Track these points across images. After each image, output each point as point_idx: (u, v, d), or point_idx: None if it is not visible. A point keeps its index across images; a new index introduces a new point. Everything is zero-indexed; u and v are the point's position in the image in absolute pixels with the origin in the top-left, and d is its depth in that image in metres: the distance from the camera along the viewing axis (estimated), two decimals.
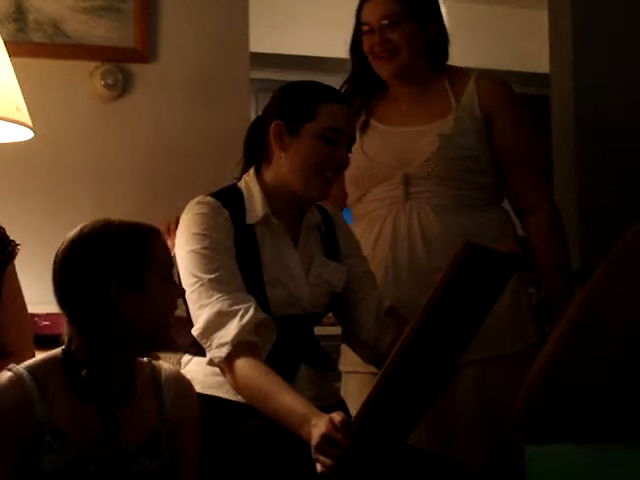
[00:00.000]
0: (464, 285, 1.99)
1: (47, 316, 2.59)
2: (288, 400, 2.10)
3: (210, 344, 2.19)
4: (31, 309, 2.42)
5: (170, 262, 1.97)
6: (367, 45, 2.74)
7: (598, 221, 3.62)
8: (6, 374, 1.85)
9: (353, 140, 2.39)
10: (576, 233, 3.59)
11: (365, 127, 2.79)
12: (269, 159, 2.36)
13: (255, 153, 2.41)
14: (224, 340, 2.17)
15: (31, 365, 1.88)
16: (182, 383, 2.05)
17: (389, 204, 2.70)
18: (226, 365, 2.19)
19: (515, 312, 2.67)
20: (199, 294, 2.22)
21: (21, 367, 1.87)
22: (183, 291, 2.04)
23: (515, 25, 5.61)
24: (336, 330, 2.59)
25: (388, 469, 2.09)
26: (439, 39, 2.80)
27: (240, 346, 2.16)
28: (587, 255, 3.53)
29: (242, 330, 2.16)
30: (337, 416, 1.98)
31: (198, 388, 2.18)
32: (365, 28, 2.74)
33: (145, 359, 2.00)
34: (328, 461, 1.95)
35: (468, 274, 1.98)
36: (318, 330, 2.48)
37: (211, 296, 2.21)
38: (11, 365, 1.88)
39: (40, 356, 1.98)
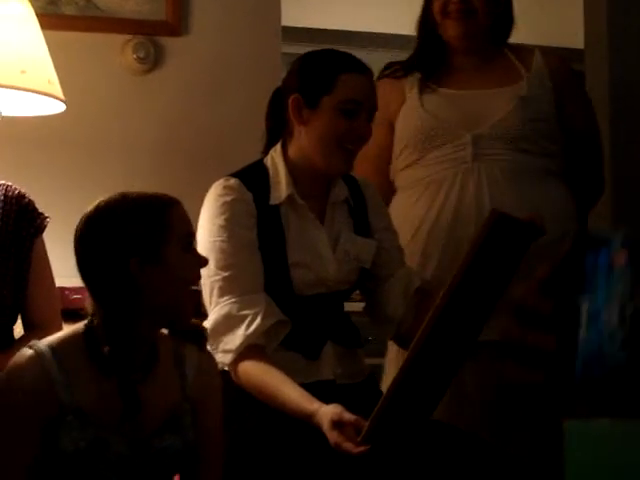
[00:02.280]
0: (491, 257, 1.95)
1: (77, 289, 2.60)
2: (291, 397, 2.09)
3: (216, 347, 2.19)
4: (61, 282, 2.43)
5: (190, 232, 1.93)
6: (439, 4, 2.69)
7: (632, 195, 3.59)
8: (27, 352, 1.83)
9: (374, 110, 2.33)
10: (609, 206, 3.56)
11: (425, 89, 2.74)
12: (291, 133, 2.33)
13: (276, 128, 2.38)
14: (229, 347, 2.18)
15: (52, 342, 1.85)
16: (205, 357, 2.03)
17: (455, 165, 2.65)
18: (231, 368, 2.20)
19: None
20: (212, 289, 2.23)
21: (42, 344, 1.84)
22: (206, 260, 1.98)
23: (550, 2, 5.57)
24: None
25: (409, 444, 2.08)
26: (505, 16, 2.77)
27: (245, 351, 2.17)
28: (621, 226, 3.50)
29: (247, 339, 2.17)
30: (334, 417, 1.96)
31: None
32: None
33: (166, 335, 1.97)
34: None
35: (496, 245, 1.95)
36: (349, 306, 2.47)
37: (222, 295, 2.22)
38: (32, 342, 1.85)
39: (62, 332, 1.96)
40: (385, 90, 2.79)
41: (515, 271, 2.06)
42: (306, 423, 2.03)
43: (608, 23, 3.70)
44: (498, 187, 2.58)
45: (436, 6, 2.69)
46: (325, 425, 1.96)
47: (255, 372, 2.16)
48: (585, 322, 0.97)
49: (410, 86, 2.75)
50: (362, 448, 1.90)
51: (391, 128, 2.76)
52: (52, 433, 1.80)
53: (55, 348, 1.84)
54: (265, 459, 2.12)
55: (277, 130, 2.38)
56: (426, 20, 2.75)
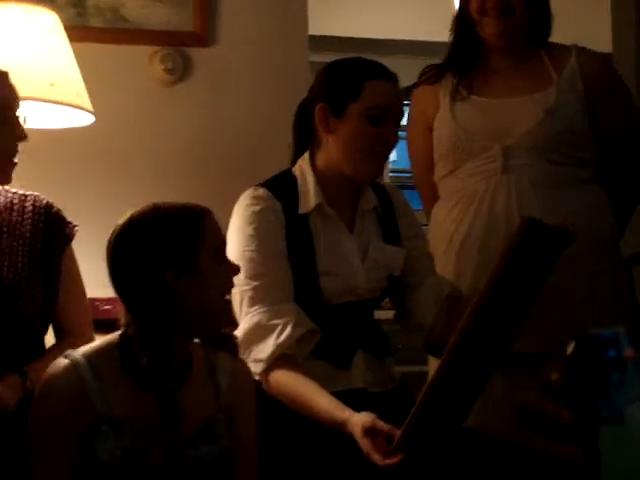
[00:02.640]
0: (523, 263, 1.94)
1: (108, 300, 2.60)
2: (322, 406, 2.08)
3: (247, 356, 2.18)
4: (92, 293, 2.44)
5: (222, 241, 1.94)
6: (477, 3, 2.67)
7: None
8: (62, 361, 1.84)
9: (402, 115, 2.33)
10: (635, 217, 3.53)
11: (457, 99, 2.73)
12: (319, 143, 2.33)
13: (304, 137, 2.38)
14: (260, 357, 2.18)
15: (87, 352, 1.86)
16: (239, 366, 2.03)
17: (486, 178, 2.63)
18: (262, 378, 2.19)
19: (617, 296, 2.67)
20: (242, 299, 2.23)
21: (77, 354, 1.85)
22: (238, 268, 1.99)
23: (578, 4, 5.55)
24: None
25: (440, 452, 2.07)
26: (543, 13, 2.75)
27: (276, 360, 2.17)
28: None
29: (278, 348, 2.16)
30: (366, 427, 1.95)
31: None
32: None
33: (198, 344, 1.98)
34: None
35: (528, 252, 1.94)
36: (378, 314, 2.47)
37: (252, 305, 2.22)
38: (68, 352, 1.86)
39: (96, 342, 1.97)
40: (421, 96, 2.81)
41: (546, 277, 2.05)
42: (338, 432, 2.02)
43: (636, 27, 3.68)
44: (527, 198, 2.55)
45: (473, 4, 2.67)
46: (357, 433, 1.95)
47: (286, 381, 2.16)
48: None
49: (444, 92, 2.73)
50: (391, 460, 1.89)
51: (431, 133, 2.77)
52: (88, 442, 1.81)
53: (90, 358, 1.85)
54: (298, 468, 2.12)
55: (305, 140, 2.38)
56: (463, 18, 2.73)
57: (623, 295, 2.70)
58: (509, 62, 2.73)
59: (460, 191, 2.68)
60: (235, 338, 2.05)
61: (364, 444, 1.93)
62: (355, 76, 2.28)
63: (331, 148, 2.30)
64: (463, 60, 2.76)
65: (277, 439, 2.17)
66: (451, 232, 2.66)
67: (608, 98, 2.71)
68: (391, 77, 2.31)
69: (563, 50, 2.75)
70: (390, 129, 2.28)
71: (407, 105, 2.95)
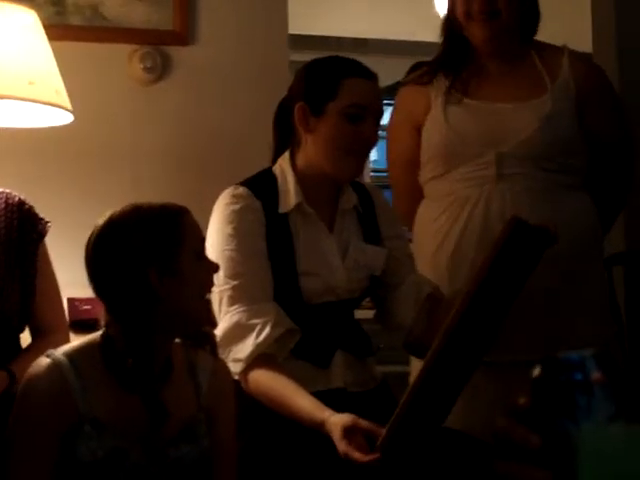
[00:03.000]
0: (509, 264, 1.94)
1: (87, 300, 2.59)
2: (302, 406, 2.07)
3: (227, 356, 2.18)
4: (71, 293, 2.43)
5: (202, 240, 1.94)
6: (463, 8, 2.65)
7: None
8: (44, 361, 1.83)
9: (381, 114, 2.32)
10: (623, 213, 3.54)
11: (450, 101, 2.70)
12: (298, 142, 2.33)
13: (284, 136, 2.38)
14: (239, 356, 2.17)
15: (69, 351, 1.86)
16: (218, 367, 2.03)
17: (479, 184, 2.61)
18: (241, 377, 2.19)
19: (601, 299, 2.69)
20: (221, 299, 2.23)
21: (59, 353, 1.84)
22: (217, 267, 2.00)
23: (557, 3, 5.57)
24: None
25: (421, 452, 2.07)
26: (532, 12, 2.73)
27: (255, 360, 2.17)
28: (634, 235, 3.49)
29: (257, 348, 2.16)
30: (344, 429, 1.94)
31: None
32: None
33: (178, 343, 1.98)
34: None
35: (513, 252, 1.94)
36: (360, 314, 2.46)
37: (232, 304, 2.21)
38: (49, 351, 1.86)
39: (78, 341, 1.96)
40: (410, 96, 2.78)
41: (527, 278, 2.05)
42: (317, 432, 2.02)
43: (617, 27, 3.69)
44: (522, 206, 2.53)
45: (459, 9, 2.65)
46: (336, 434, 1.95)
47: (265, 381, 2.16)
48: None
49: (436, 93, 2.71)
50: (372, 456, 1.88)
51: (419, 133, 2.74)
52: (70, 442, 1.80)
53: (72, 357, 1.84)
54: (277, 468, 2.12)
55: (285, 139, 2.38)
56: (451, 22, 2.72)
57: (604, 296, 2.70)
58: (500, 65, 2.72)
59: (451, 195, 2.66)
60: (215, 337, 2.05)
61: (342, 445, 1.92)
62: (333, 75, 2.28)
63: (311, 147, 2.30)
64: (454, 62, 2.75)
65: (256, 439, 2.17)
66: (443, 234, 2.64)
67: (598, 102, 2.71)
68: (370, 75, 2.31)
69: (554, 51, 2.74)
70: (369, 127, 2.27)
71: (389, 104, 2.95)
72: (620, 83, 3.68)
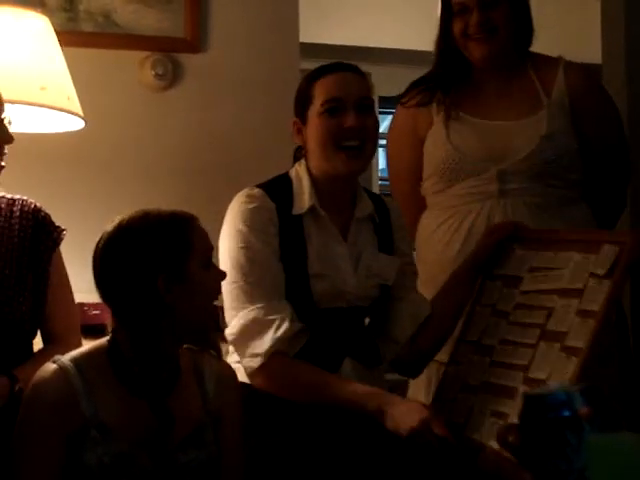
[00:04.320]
0: None
1: (97, 305, 2.60)
2: (344, 384, 2.12)
3: (243, 352, 2.20)
4: (80, 298, 2.43)
5: (210, 247, 1.94)
6: (459, 26, 2.66)
7: None
8: (51, 366, 1.84)
9: (365, 100, 2.33)
10: (629, 217, 3.54)
11: (450, 118, 2.72)
12: (307, 152, 2.38)
13: (299, 150, 2.43)
14: (257, 351, 2.19)
15: (76, 357, 1.86)
16: (225, 372, 2.04)
17: (481, 199, 2.64)
18: (260, 373, 2.20)
19: None
20: (236, 295, 2.24)
21: (66, 359, 1.85)
22: (224, 274, 2.01)
23: (567, 15, 5.56)
24: None
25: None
26: (526, 25, 2.73)
27: (273, 356, 2.18)
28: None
29: (276, 342, 2.18)
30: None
31: (241, 377, 2.19)
32: (457, 8, 2.66)
33: (185, 348, 1.98)
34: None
35: None
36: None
37: (247, 301, 2.22)
38: (56, 357, 1.86)
39: (85, 347, 1.96)
40: (412, 114, 2.79)
41: None
42: (324, 436, 2.03)
43: (626, 38, 3.69)
44: (523, 219, 2.55)
45: (456, 28, 2.66)
46: (403, 407, 2.03)
47: (295, 368, 2.20)
48: None
49: (437, 109, 2.73)
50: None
51: (421, 147, 2.77)
52: (77, 447, 1.80)
53: (79, 363, 1.84)
54: (283, 473, 2.12)
55: (302, 148, 2.42)
56: (446, 40, 2.72)
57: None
58: (498, 80, 2.73)
59: (453, 207, 2.69)
60: (219, 342, 2.05)
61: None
62: (307, 83, 2.35)
63: (310, 155, 2.35)
64: (450, 80, 2.76)
65: (263, 444, 2.17)
66: (443, 244, 2.67)
67: (593, 113, 2.73)
68: (340, 68, 2.35)
69: (550, 64, 2.76)
70: (350, 116, 2.29)
71: (393, 113, 2.96)
72: (629, 96, 3.68)
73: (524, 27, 2.72)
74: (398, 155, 2.90)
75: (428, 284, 2.54)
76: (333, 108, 2.28)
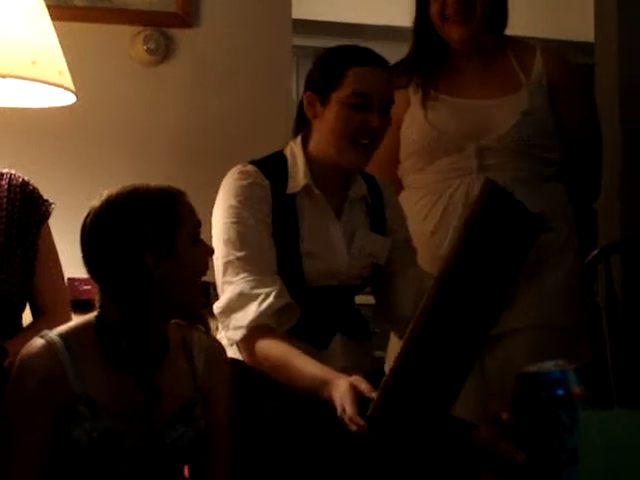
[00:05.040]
0: (488, 233, 1.89)
1: (87, 280, 2.60)
2: (307, 367, 2.10)
3: (227, 324, 2.21)
4: (71, 273, 2.43)
5: (197, 223, 1.94)
6: (436, 7, 2.67)
7: None
8: (39, 341, 1.84)
9: (389, 102, 2.32)
10: (619, 203, 3.56)
11: (428, 98, 2.73)
12: (310, 129, 2.36)
13: (301, 122, 2.40)
14: (240, 323, 2.19)
15: (64, 332, 1.86)
16: (214, 347, 2.04)
17: (460, 175, 2.67)
18: (242, 345, 2.21)
19: (571, 285, 2.72)
20: (226, 270, 2.24)
21: (54, 334, 1.85)
22: (212, 250, 2.02)
23: None
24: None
25: (422, 438, 2.08)
26: (501, 7, 2.76)
27: (255, 329, 2.18)
28: (630, 224, 3.52)
29: (259, 316, 2.18)
30: (356, 384, 1.95)
31: (230, 353, 2.20)
32: None
33: (174, 323, 1.98)
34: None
35: (492, 219, 1.89)
36: (359, 299, 2.48)
37: (236, 274, 2.23)
38: (44, 332, 1.86)
39: (73, 322, 1.96)
40: None
41: (523, 262, 2.04)
42: (312, 414, 2.03)
43: (618, 17, 3.69)
44: None
45: (434, 10, 2.67)
46: (341, 387, 1.95)
47: (268, 346, 2.18)
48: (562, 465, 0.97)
49: (414, 90, 2.75)
50: (360, 423, 1.88)
51: (399, 131, 2.77)
52: (65, 423, 1.81)
53: (67, 338, 1.84)
54: (272, 448, 2.13)
55: (301, 125, 2.40)
56: (423, 22, 2.73)
57: (576, 284, 2.73)
58: (476, 62, 2.76)
59: (433, 184, 2.72)
60: (207, 318, 2.06)
61: (346, 398, 1.93)
62: (339, 64, 2.29)
63: (319, 134, 2.33)
64: (427, 62, 2.76)
65: (251, 422, 2.18)
66: (424, 214, 2.71)
67: (569, 97, 2.77)
68: (376, 63, 2.31)
69: (527, 47, 2.80)
70: (373, 115, 2.27)
71: None
72: (621, 75, 3.68)
73: (499, 9, 2.73)
74: None
75: None
76: (361, 104, 2.25)
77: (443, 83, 2.75)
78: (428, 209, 2.69)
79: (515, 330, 2.61)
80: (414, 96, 2.74)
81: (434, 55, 2.76)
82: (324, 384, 2.02)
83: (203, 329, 2.01)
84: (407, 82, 2.77)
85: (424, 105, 2.72)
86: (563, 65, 2.83)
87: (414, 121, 2.70)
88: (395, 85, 2.71)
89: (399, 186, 2.84)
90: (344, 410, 1.92)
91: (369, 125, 2.27)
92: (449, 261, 1.88)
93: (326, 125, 2.30)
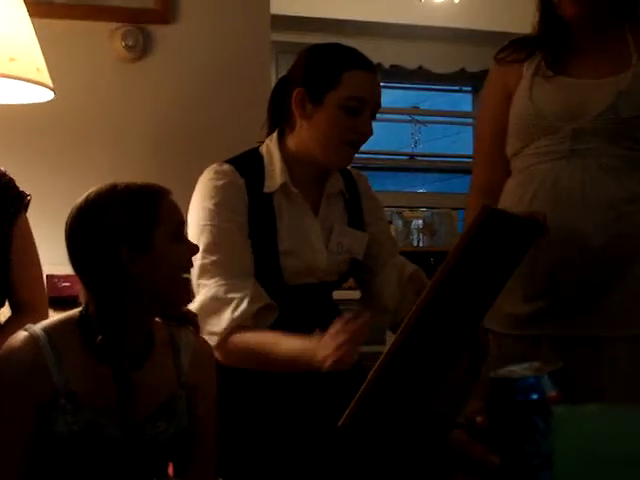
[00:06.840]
0: (483, 250, 1.93)
1: (66, 277, 2.60)
2: (289, 347, 2.10)
3: (203, 328, 2.20)
4: (50, 270, 2.43)
5: (180, 221, 1.94)
6: None
7: None
8: (21, 334, 1.85)
9: (378, 106, 2.32)
10: None
11: (537, 74, 2.62)
12: (292, 125, 2.34)
13: (278, 117, 2.39)
14: (215, 330, 2.20)
15: (47, 326, 1.88)
16: (200, 345, 2.05)
17: (552, 159, 2.54)
18: (217, 350, 2.20)
19: None
20: (200, 272, 2.25)
21: (37, 327, 1.86)
22: (197, 248, 2.01)
23: None
24: (354, 294, 2.59)
25: (401, 432, 2.09)
26: None
27: (230, 335, 2.19)
28: None
29: (233, 322, 2.19)
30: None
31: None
32: None
33: (159, 320, 1.99)
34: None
35: (487, 239, 1.92)
36: (337, 294, 2.48)
37: (210, 277, 2.24)
38: (27, 325, 1.87)
39: (56, 317, 1.97)
40: (503, 70, 2.70)
41: (517, 263, 2.04)
42: (294, 410, 2.04)
43: None
44: (592, 186, 2.46)
45: None
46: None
47: (245, 338, 2.18)
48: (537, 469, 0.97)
49: (528, 66, 2.66)
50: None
51: (509, 104, 2.66)
52: (46, 416, 1.82)
53: (50, 332, 1.86)
54: (255, 446, 2.14)
55: (278, 120, 2.39)
56: (545, 1, 2.67)
57: None
58: (594, 40, 2.62)
59: (525, 170, 2.58)
60: (194, 316, 2.07)
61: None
62: (335, 65, 2.28)
63: (305, 133, 2.31)
64: (551, 40, 2.69)
65: (234, 419, 2.18)
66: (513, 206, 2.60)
67: None
68: (370, 67, 2.32)
69: None
70: (365, 120, 2.28)
71: None
72: None
73: None
74: (487, 110, 2.78)
75: None
76: (356, 108, 2.26)
77: (559, 60, 2.67)
78: (519, 197, 2.58)
79: (614, 339, 2.38)
80: (527, 72, 2.66)
81: (558, 34, 2.69)
82: (301, 354, 2.04)
83: (192, 329, 2.02)
84: (525, 57, 2.69)
85: (532, 83, 2.64)
86: None
87: (520, 96, 2.63)
88: (512, 59, 2.66)
89: (502, 167, 2.70)
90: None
91: (360, 129, 2.28)
92: (435, 284, 1.87)
93: (316, 125, 2.29)
